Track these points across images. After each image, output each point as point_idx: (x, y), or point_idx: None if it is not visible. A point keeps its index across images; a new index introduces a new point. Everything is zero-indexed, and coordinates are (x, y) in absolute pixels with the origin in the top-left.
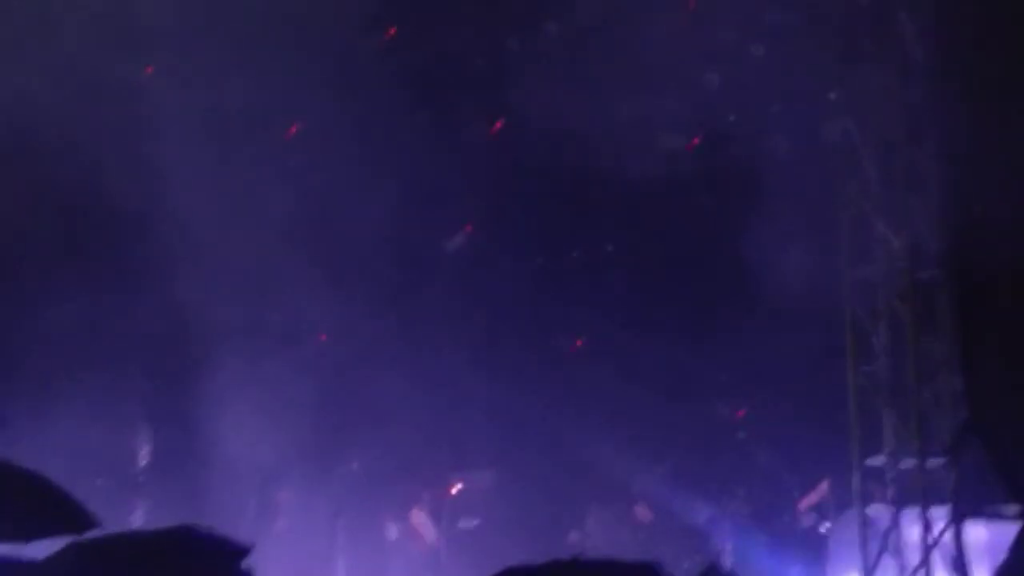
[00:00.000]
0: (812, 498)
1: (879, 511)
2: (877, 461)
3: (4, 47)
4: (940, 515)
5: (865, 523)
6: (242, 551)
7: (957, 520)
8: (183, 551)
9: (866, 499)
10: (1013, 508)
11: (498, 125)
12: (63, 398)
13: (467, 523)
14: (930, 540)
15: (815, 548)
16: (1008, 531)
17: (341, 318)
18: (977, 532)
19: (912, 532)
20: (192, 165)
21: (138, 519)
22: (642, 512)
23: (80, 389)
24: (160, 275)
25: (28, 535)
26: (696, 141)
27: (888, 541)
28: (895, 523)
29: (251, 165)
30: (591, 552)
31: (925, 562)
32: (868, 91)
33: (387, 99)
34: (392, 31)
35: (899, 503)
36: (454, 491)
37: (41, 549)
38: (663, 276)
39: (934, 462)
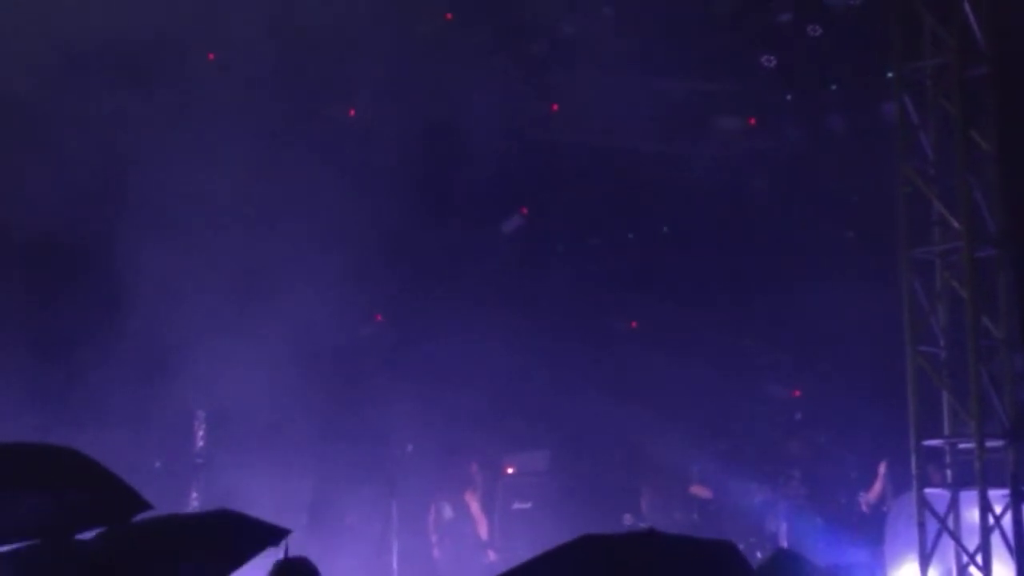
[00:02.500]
0: (877, 488)
1: (937, 493)
2: (935, 442)
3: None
4: (999, 497)
5: (923, 505)
6: (279, 534)
7: (1016, 502)
8: (219, 534)
9: (924, 481)
10: None
11: (554, 107)
12: (121, 381)
13: (521, 505)
14: (989, 522)
15: (872, 530)
16: None
17: (394, 299)
18: None
19: (971, 514)
20: (246, 148)
21: (195, 503)
22: (700, 491)
23: (136, 373)
24: (206, 259)
25: (80, 521)
26: (752, 121)
27: (946, 523)
28: (953, 505)
29: (306, 148)
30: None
31: (984, 545)
32: (926, 70)
33: (441, 80)
34: (448, 16)
35: (957, 485)
36: (508, 472)
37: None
38: (718, 257)
39: (993, 443)
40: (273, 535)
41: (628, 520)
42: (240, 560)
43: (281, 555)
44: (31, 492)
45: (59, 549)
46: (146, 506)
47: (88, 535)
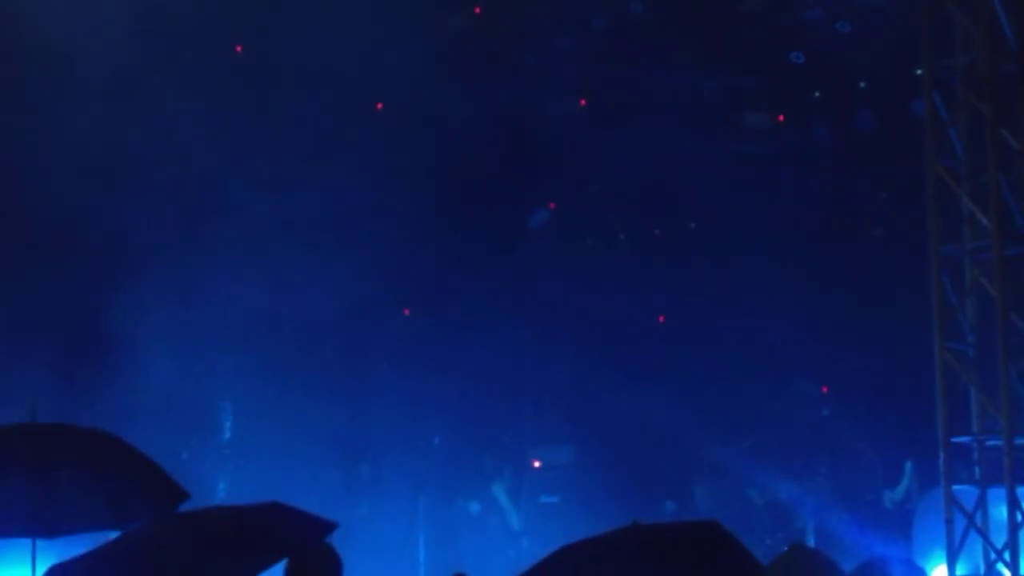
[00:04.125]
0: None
1: (965, 490)
2: (963, 439)
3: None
4: None
5: (951, 502)
6: (326, 527)
7: None
8: (268, 526)
9: (952, 478)
10: None
11: (582, 102)
12: (149, 373)
13: (548, 499)
14: (1017, 519)
15: (899, 527)
16: None
17: (422, 293)
18: None
19: (999, 511)
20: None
21: (221, 494)
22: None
23: (167, 364)
24: (234, 255)
25: (124, 514)
26: (781, 118)
27: (974, 520)
28: (981, 502)
29: (337, 138)
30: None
31: (1012, 541)
32: (957, 67)
33: (471, 76)
34: (477, 10)
35: (985, 482)
36: (534, 466)
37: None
38: (745, 252)
39: (1022, 440)
40: (320, 528)
41: (671, 508)
42: (287, 552)
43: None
44: (79, 484)
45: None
46: (184, 495)
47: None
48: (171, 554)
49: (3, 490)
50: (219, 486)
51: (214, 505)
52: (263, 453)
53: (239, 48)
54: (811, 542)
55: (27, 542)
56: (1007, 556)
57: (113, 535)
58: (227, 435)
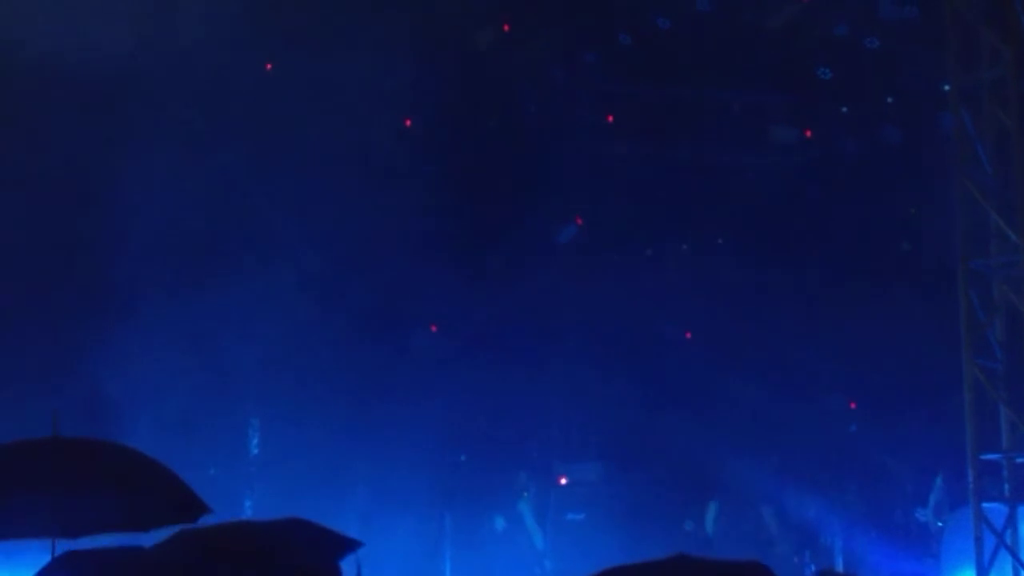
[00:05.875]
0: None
1: (994, 507)
2: (993, 456)
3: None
4: None
5: (980, 519)
6: (350, 545)
7: None
8: (292, 542)
9: (981, 495)
10: None
11: (610, 118)
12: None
13: (574, 516)
14: None
15: (928, 544)
16: None
17: (449, 309)
18: None
19: None
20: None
21: (248, 510)
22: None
23: (197, 381)
24: (259, 269)
25: (145, 522)
26: (808, 134)
27: (1004, 538)
28: (1011, 519)
29: (365, 154)
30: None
31: None
32: (984, 82)
33: (499, 92)
34: (506, 27)
35: (1015, 499)
36: (561, 483)
37: (153, 538)
38: (773, 268)
39: None
40: (343, 546)
41: (689, 527)
42: (313, 572)
43: (354, 570)
44: (102, 490)
45: (135, 550)
46: (205, 509)
47: (156, 535)
48: (184, 568)
49: (27, 498)
50: (246, 503)
51: (234, 520)
52: (290, 469)
53: (269, 66)
54: (839, 560)
55: (46, 553)
56: None
57: (130, 543)
58: (254, 451)
